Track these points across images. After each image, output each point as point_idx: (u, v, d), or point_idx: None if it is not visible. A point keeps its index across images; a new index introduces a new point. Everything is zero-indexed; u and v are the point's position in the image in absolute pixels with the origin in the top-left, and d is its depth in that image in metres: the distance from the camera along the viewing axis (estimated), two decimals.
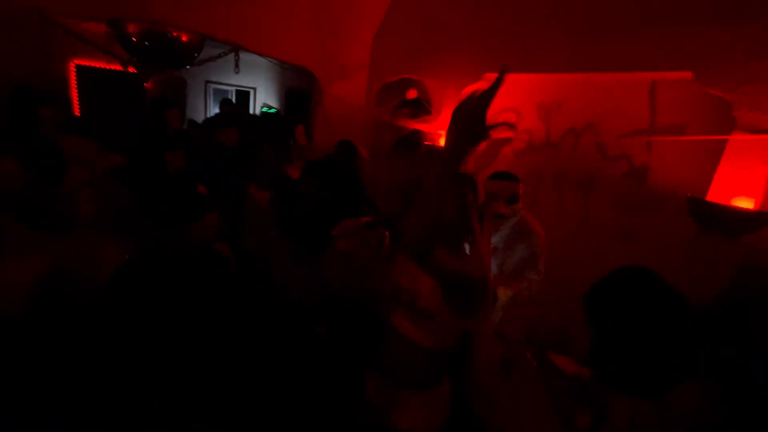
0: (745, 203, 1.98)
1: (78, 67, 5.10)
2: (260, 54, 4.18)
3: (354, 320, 1.15)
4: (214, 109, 7.07)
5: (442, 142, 3.87)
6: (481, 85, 3.54)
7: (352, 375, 1.20)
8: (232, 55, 5.46)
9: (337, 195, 1.20)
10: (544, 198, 3.12)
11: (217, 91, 7.40)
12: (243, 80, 7.22)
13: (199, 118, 6.49)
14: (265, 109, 7.49)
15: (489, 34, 3.38)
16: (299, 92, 6.56)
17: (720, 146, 2.14)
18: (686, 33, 2.22)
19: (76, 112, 4.87)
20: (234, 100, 7.55)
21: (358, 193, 1.25)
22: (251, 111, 7.73)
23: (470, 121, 0.78)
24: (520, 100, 3.50)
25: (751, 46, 1.98)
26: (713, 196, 2.10)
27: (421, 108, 4.37)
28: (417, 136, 4.24)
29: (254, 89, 7.77)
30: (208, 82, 7.15)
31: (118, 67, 5.43)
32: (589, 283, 2.77)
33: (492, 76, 2.89)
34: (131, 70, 5.69)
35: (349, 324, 1.15)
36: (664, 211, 2.50)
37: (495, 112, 2.85)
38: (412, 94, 4.54)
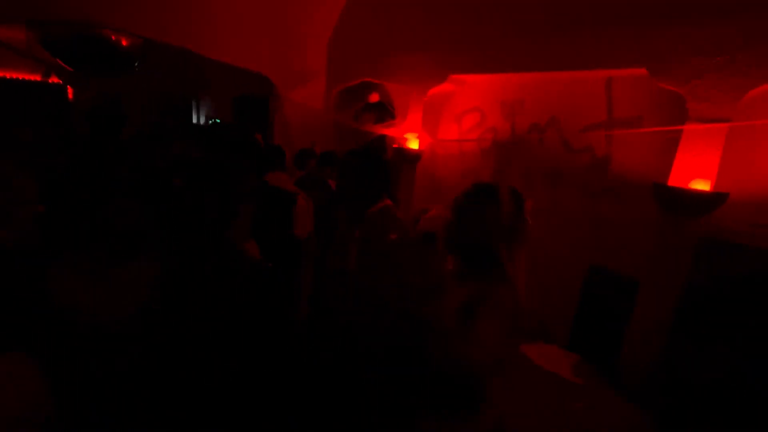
0: (702, 185, 2.29)
1: None
2: (212, 59, 4.22)
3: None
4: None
5: (409, 144, 4.11)
6: (446, 86, 3.86)
7: (352, 374, 1.34)
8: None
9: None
10: None
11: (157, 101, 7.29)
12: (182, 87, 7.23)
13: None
14: (211, 121, 7.48)
15: (450, 36, 3.63)
16: (248, 99, 6.61)
17: (675, 135, 2.47)
18: (640, 32, 2.54)
19: None
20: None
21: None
22: (194, 121, 7.70)
23: None
24: (483, 99, 3.76)
25: (701, 43, 2.32)
26: (674, 180, 2.39)
27: (385, 112, 4.61)
28: (382, 140, 4.47)
29: (195, 97, 7.74)
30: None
31: (35, 77, 5.29)
32: (562, 270, 3.05)
33: (457, 78, 3.24)
34: (54, 80, 5.56)
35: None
36: (627, 197, 2.80)
37: (461, 111, 3.23)
38: (374, 98, 4.77)
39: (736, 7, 2.22)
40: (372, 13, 4.41)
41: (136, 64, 4.62)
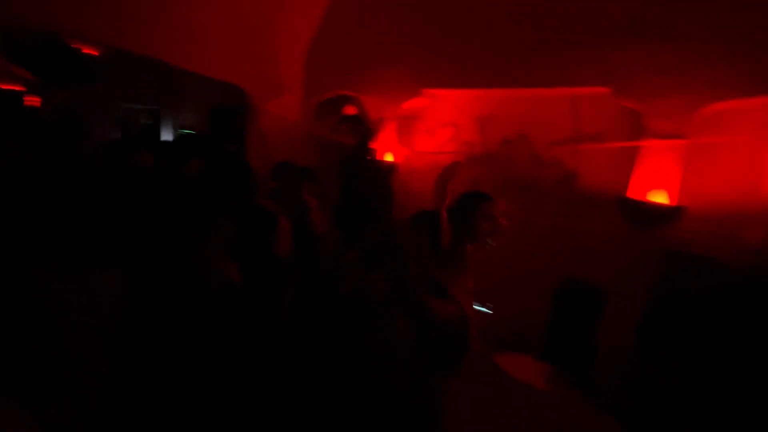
0: (659, 197, 2.46)
1: None
2: (185, 70, 4.15)
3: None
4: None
5: (385, 157, 4.17)
6: (420, 101, 3.94)
7: (350, 375, 1.34)
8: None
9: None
10: None
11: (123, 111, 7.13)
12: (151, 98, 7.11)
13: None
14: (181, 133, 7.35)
15: (425, 51, 3.76)
16: (223, 110, 6.53)
17: (636, 150, 2.64)
18: (603, 53, 2.73)
19: None
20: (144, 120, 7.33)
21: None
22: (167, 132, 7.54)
23: None
24: (457, 114, 3.90)
25: (660, 63, 2.51)
26: (632, 192, 2.56)
27: (360, 125, 4.66)
28: (363, 150, 4.50)
29: (165, 108, 7.59)
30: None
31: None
32: (536, 280, 3.14)
33: (431, 92, 3.33)
34: (6, 86, 5.35)
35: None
36: (596, 210, 2.93)
37: (434, 125, 3.32)
38: (351, 110, 4.82)
39: (687, 33, 2.42)
40: (349, 27, 4.48)
41: (101, 73, 4.51)
